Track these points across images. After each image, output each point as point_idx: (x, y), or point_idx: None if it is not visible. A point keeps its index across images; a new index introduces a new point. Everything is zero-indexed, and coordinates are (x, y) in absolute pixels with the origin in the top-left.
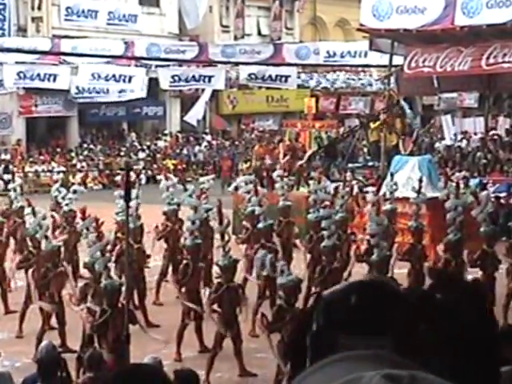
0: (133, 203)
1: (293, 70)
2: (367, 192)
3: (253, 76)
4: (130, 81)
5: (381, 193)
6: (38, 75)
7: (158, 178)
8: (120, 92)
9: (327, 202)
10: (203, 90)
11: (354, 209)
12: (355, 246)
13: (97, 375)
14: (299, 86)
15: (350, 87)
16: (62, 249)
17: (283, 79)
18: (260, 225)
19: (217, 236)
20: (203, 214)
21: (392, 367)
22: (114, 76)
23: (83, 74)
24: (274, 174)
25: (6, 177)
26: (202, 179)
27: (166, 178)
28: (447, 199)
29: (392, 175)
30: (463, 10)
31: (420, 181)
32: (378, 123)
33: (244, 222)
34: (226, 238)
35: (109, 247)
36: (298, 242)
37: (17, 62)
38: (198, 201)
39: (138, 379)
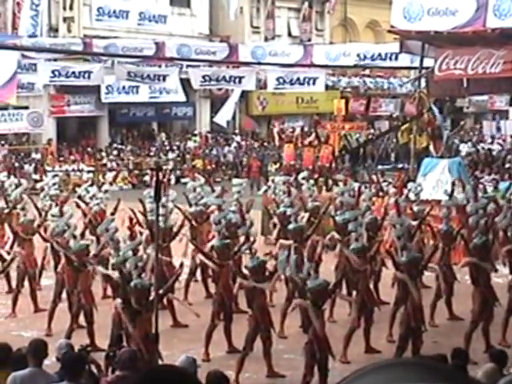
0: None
1: (321, 72)
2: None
3: (281, 80)
4: (164, 79)
5: (403, 195)
6: (73, 73)
7: (183, 180)
8: (153, 91)
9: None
10: (233, 90)
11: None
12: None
13: (127, 374)
14: (328, 88)
15: (380, 89)
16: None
17: (311, 81)
18: (291, 226)
19: None
20: (228, 213)
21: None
22: (148, 76)
23: (118, 74)
24: (300, 176)
25: (35, 176)
26: (234, 181)
27: (194, 179)
28: (467, 203)
29: (419, 177)
30: (495, 12)
31: (453, 184)
32: (407, 124)
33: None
34: (252, 239)
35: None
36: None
37: (49, 60)
38: (221, 200)
39: (166, 380)
